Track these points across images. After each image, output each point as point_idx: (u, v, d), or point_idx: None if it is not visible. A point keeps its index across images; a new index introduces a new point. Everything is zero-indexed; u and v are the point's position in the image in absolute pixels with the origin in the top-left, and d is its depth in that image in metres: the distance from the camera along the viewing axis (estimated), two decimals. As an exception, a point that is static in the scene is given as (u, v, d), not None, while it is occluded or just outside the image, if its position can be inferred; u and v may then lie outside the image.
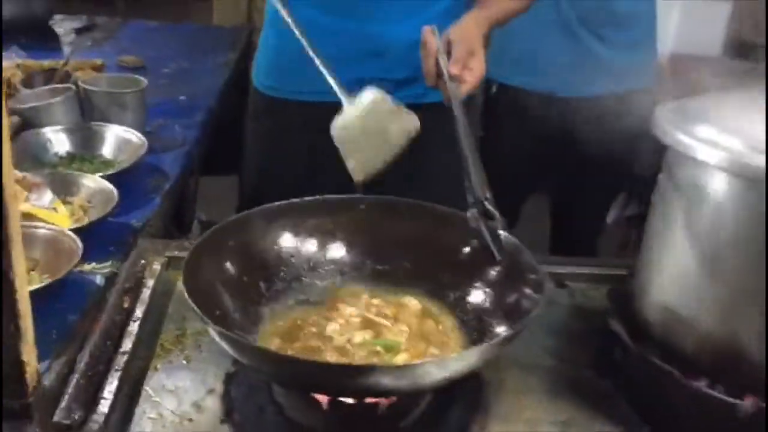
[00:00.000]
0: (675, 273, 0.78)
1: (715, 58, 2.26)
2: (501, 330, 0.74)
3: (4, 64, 1.58)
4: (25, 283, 0.52)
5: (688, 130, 0.74)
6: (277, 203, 0.85)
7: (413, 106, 1.03)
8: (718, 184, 0.72)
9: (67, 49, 1.91)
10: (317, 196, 0.86)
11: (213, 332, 0.68)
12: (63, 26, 2.06)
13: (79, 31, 2.03)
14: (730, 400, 0.72)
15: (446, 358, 0.71)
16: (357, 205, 0.86)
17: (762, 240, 0.70)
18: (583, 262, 1.11)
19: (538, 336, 0.89)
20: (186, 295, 0.69)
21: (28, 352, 0.53)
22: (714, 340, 0.75)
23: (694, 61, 2.22)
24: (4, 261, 0.49)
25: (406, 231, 0.85)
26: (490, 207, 0.81)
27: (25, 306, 0.52)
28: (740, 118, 0.74)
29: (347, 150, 0.92)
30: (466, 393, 0.75)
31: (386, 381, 0.63)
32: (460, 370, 0.66)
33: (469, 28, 1.07)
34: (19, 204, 1.07)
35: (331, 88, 0.98)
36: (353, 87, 1.04)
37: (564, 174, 1.73)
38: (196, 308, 0.67)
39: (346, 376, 0.65)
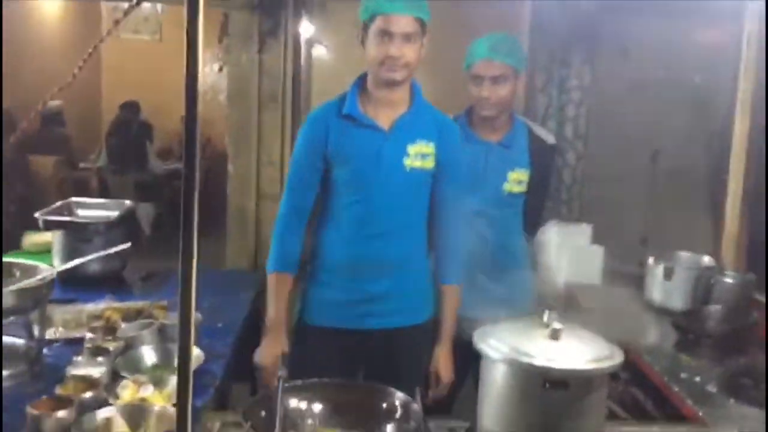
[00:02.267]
0: (488, 413, 1.54)
1: (594, 285, 3.13)
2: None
3: (109, 305, 2.42)
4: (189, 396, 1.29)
5: (486, 341, 1.54)
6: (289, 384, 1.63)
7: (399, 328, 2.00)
8: (497, 367, 1.50)
9: (137, 291, 2.76)
10: (304, 380, 1.65)
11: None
12: (132, 275, 2.93)
13: (143, 279, 2.89)
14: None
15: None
16: (326, 385, 1.65)
17: (519, 397, 1.47)
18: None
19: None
20: (244, 421, 1.46)
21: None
22: (506, 446, 1.50)
23: (580, 288, 3.08)
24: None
25: (356, 397, 1.63)
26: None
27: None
28: (512, 335, 1.54)
29: None
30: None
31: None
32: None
33: (436, 360, 2.12)
34: (135, 395, 1.84)
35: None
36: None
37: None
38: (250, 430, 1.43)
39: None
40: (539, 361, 1.44)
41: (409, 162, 2.15)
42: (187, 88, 1.13)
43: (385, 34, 2.06)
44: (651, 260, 2.81)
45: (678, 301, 2.69)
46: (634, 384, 2.33)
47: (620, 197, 4.79)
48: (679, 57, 4.65)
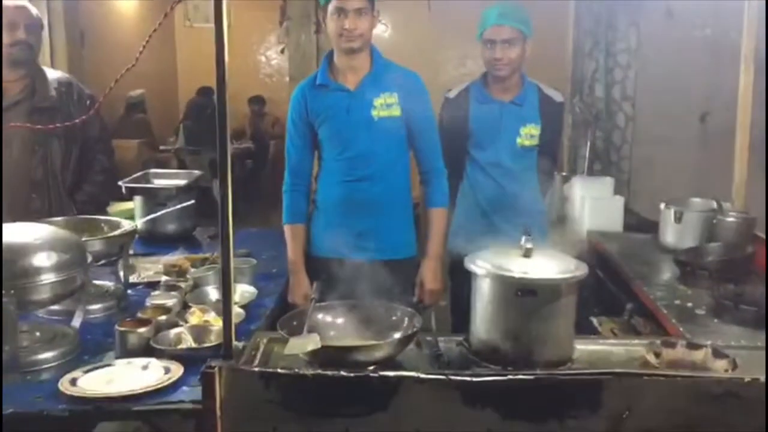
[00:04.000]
0: (477, 321, 1.87)
1: (617, 233, 3.38)
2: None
3: (181, 257, 2.86)
4: (232, 315, 1.67)
5: (475, 262, 1.86)
6: (319, 304, 2.01)
7: (383, 261, 2.29)
8: (482, 281, 1.83)
9: (205, 247, 3.20)
10: (330, 302, 2.03)
11: (294, 340, 1.81)
12: (202, 234, 3.38)
13: (211, 237, 3.33)
14: (498, 368, 1.79)
15: (380, 342, 1.83)
16: (347, 305, 2.02)
17: (498, 305, 1.80)
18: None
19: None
20: (279, 329, 1.84)
21: (233, 335, 1.67)
22: (489, 346, 1.82)
23: (602, 235, 3.34)
24: (229, 307, 1.65)
25: (370, 313, 1.98)
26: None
27: (231, 321, 1.68)
28: (495, 256, 1.86)
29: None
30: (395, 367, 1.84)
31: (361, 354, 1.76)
32: (383, 352, 1.77)
33: (422, 273, 2.59)
34: (200, 319, 2.26)
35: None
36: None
37: None
38: (283, 334, 1.81)
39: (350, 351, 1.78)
40: (514, 274, 1.77)
41: (376, 113, 2.58)
42: (217, 74, 1.50)
43: (340, 12, 2.50)
44: (663, 206, 3.04)
45: (688, 242, 2.92)
46: (637, 313, 2.60)
47: (670, 157, 4.87)
48: (726, 15, 4.69)
